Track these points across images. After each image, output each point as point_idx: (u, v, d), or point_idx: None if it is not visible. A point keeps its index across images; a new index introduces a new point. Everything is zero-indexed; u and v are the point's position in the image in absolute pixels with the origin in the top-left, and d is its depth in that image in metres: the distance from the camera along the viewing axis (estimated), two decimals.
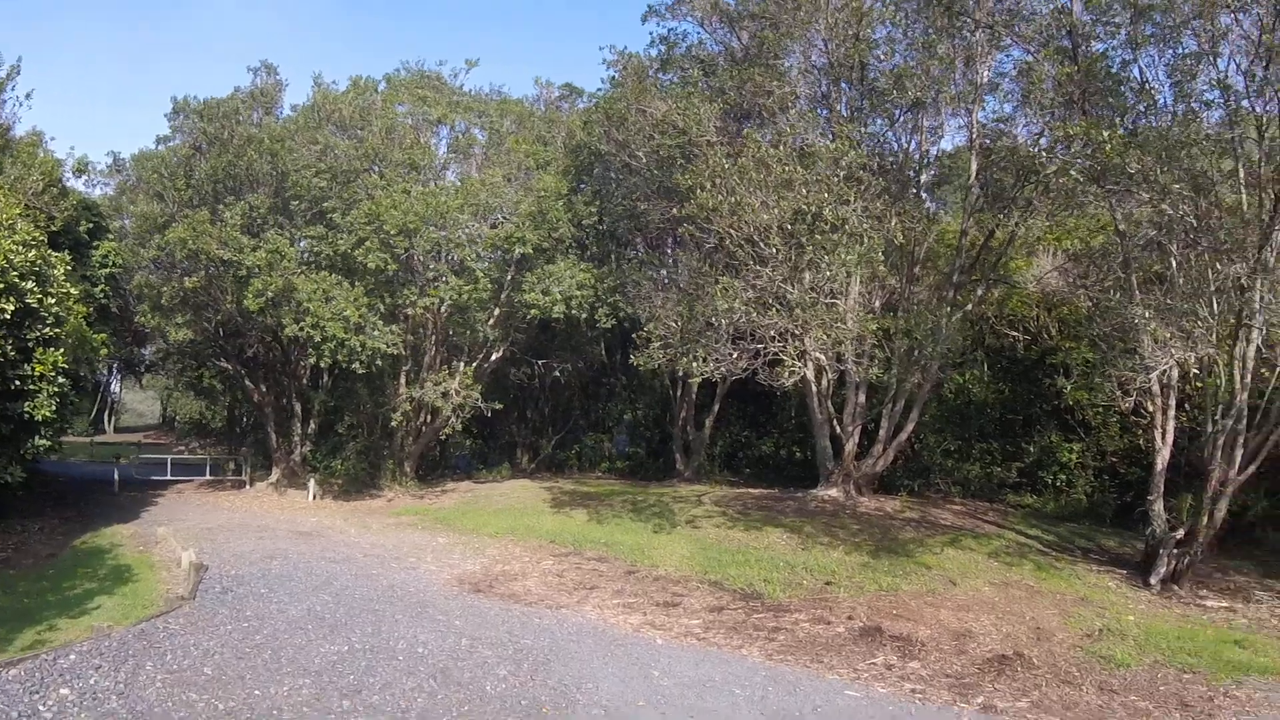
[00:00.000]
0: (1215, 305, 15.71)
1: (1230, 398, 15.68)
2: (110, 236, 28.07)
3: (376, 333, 23.07)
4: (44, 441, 16.87)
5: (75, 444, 40.96)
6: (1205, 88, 15.71)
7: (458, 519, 21.38)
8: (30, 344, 16.10)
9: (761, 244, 18.67)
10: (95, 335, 21.29)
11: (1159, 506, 16.91)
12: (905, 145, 24.63)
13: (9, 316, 15.37)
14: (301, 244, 25.32)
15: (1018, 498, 24.59)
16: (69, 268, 18.10)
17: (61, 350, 16.54)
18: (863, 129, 23.22)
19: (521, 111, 29.62)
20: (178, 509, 24.12)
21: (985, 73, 21.94)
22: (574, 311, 24.92)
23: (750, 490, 24.65)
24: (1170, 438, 17.20)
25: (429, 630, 12.61)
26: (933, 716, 10.36)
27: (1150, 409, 17.39)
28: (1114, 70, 16.74)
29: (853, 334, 19.05)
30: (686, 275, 22.63)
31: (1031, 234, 25.78)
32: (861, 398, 23.26)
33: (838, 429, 22.59)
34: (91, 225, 27.09)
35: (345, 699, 9.74)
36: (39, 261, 16.41)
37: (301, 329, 22.68)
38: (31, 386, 16.01)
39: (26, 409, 15.91)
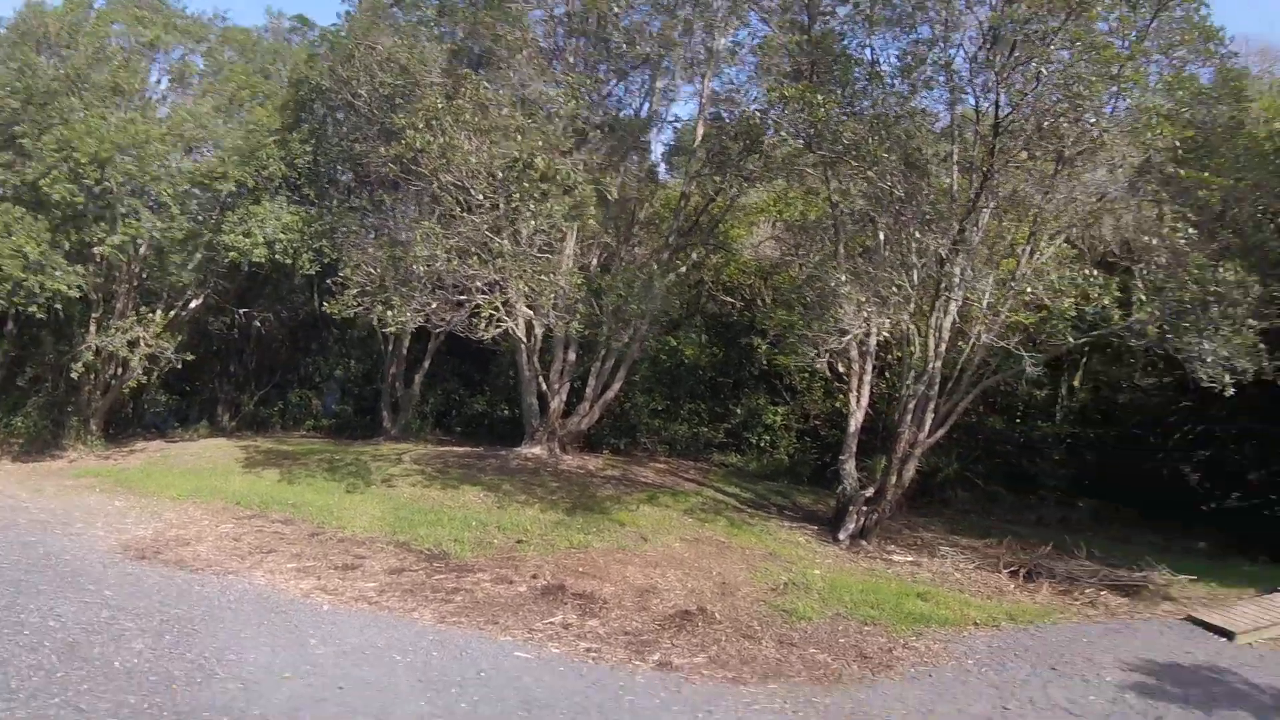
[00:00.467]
0: (917, 276, 17.04)
1: (924, 365, 17.19)
2: None
3: (59, 273, 21.70)
4: None
5: None
6: (932, 72, 16.98)
7: (141, 481, 20.76)
8: None
9: (471, 190, 18.82)
10: None
11: (850, 465, 18.31)
12: (638, 106, 25.94)
13: None
14: None
15: (723, 457, 26.93)
16: None
17: None
18: (594, 83, 24.13)
19: (246, 41, 28.29)
20: None
21: (723, 41, 23.50)
22: (279, 257, 24.48)
23: (455, 449, 25.19)
24: (865, 401, 18.64)
25: (73, 601, 12.34)
26: (605, 676, 10.72)
27: (847, 372, 18.72)
28: (849, 50, 17.74)
29: (557, 287, 19.45)
30: (398, 222, 22.66)
31: (752, 201, 28.04)
32: (570, 355, 24.40)
33: (544, 386, 23.52)
34: None
35: None
36: None
37: None
38: None
39: None
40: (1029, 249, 17.41)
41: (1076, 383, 24.66)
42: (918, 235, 17.05)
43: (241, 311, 28.99)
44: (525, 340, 21.80)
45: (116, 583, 13.54)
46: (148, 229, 23.04)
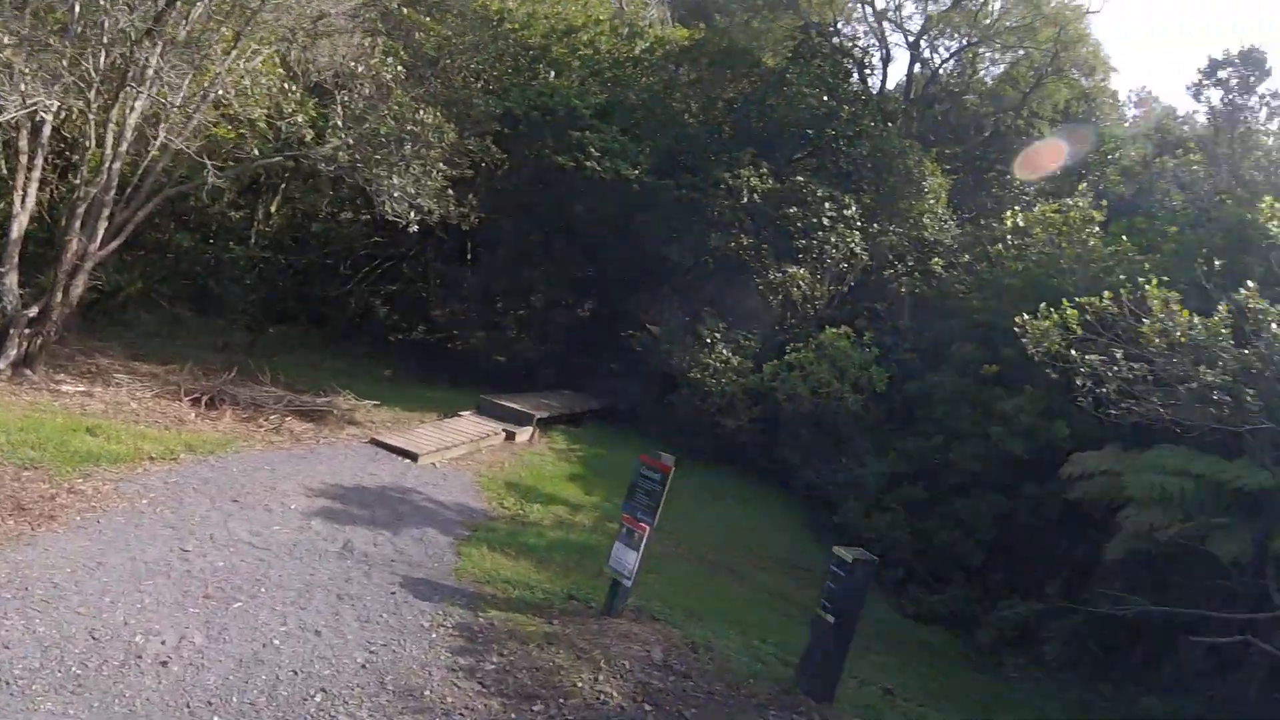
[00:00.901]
0: (105, 59, 14.69)
1: (99, 164, 15.07)
2: None
3: None
4: None
5: None
6: None
7: None
8: None
9: None
10: None
11: (12, 280, 15.29)
12: None
13: None
14: None
15: None
16: None
17: None
18: None
19: None
20: None
21: None
22: None
23: None
24: (32, 202, 15.53)
25: None
26: None
27: (13, 165, 15.69)
28: None
29: None
30: None
31: None
32: None
33: None
34: None
35: None
36: None
37: None
38: None
39: None
40: (235, 52, 16.35)
41: (274, 208, 24.62)
42: (109, 10, 14.72)
43: None
44: None
45: None
46: None
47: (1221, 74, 19.94)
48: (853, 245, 21.40)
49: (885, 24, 28.60)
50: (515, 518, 13.91)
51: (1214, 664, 12.55)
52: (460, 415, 18.12)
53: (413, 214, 16.21)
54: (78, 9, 14.83)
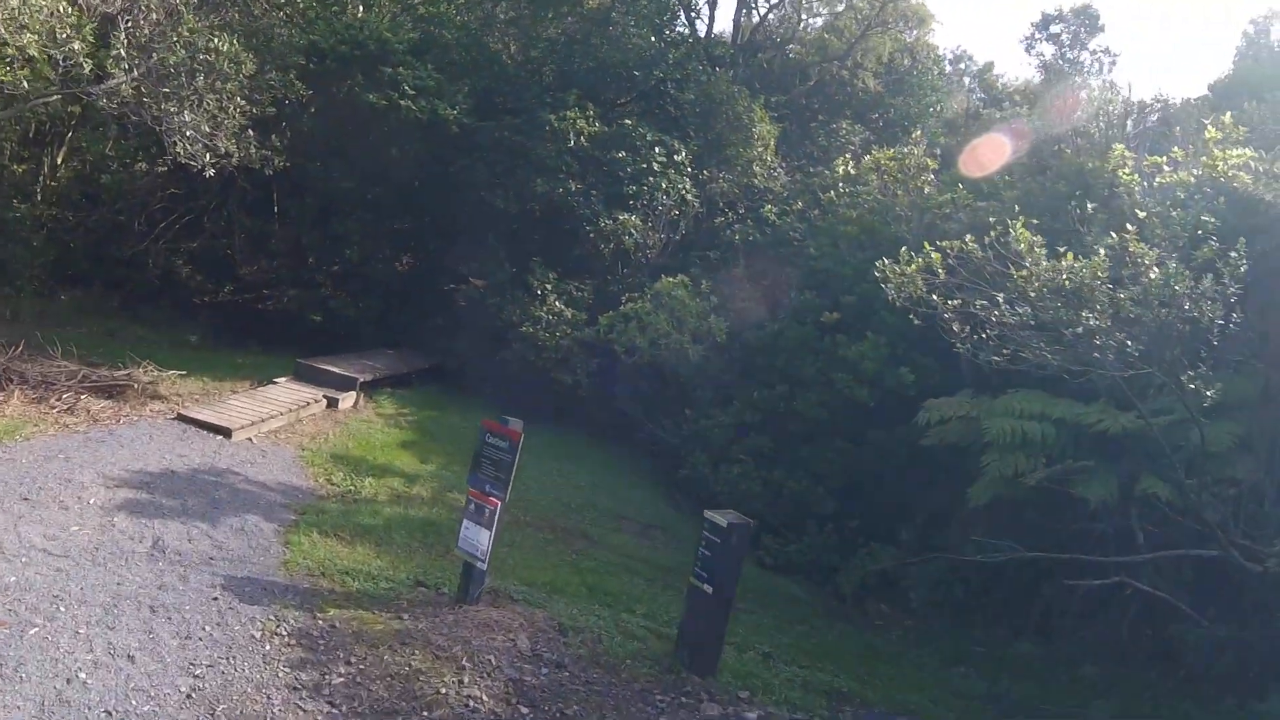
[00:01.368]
0: None
1: None
2: None
3: None
4: None
5: None
6: None
7: None
8: None
9: None
10: None
11: None
12: None
13: None
14: None
15: None
16: None
17: None
18: None
19: None
20: None
21: None
22: None
23: None
24: None
25: None
26: None
27: None
28: None
29: None
30: None
31: None
32: None
33: None
34: None
35: None
36: None
37: None
38: None
39: None
40: None
41: (60, 159, 21.72)
42: None
43: None
44: None
45: None
46: None
47: (1054, 28, 20.55)
48: (684, 192, 20.97)
49: None
50: (346, 495, 12.78)
51: (1081, 605, 12.99)
52: (276, 383, 16.57)
53: (208, 156, 14.46)
54: None
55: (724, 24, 29.69)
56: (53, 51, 13.29)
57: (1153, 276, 9.50)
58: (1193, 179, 11.60)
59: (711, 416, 18.41)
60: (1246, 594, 11.90)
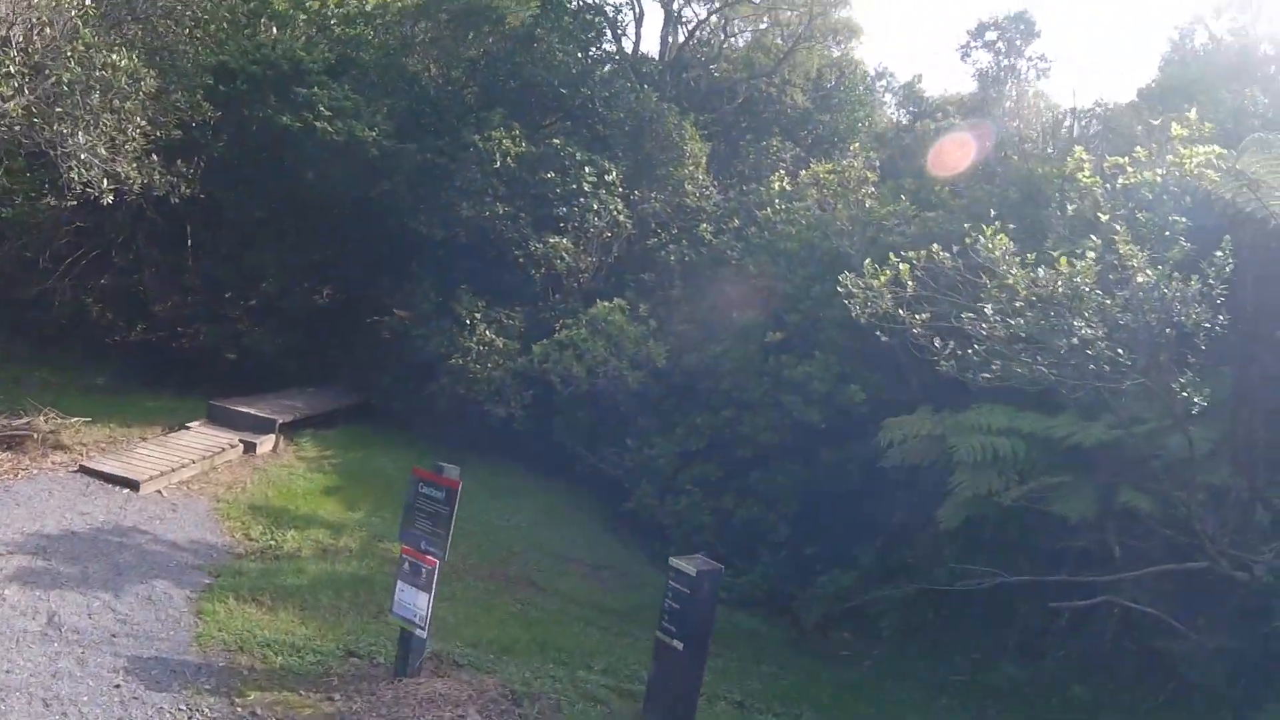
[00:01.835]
0: None
1: None
2: None
3: None
4: None
5: None
6: None
7: None
8: None
9: None
10: None
11: None
12: None
13: None
14: None
15: None
16: None
17: None
18: None
19: None
20: None
21: None
22: None
23: None
24: None
25: None
26: None
27: None
28: None
29: None
30: None
31: None
32: None
33: None
34: None
35: None
36: None
37: None
38: None
39: None
40: None
41: None
42: None
43: None
44: None
45: None
46: None
47: (989, 36, 20.39)
48: (616, 213, 20.26)
49: None
50: (266, 551, 11.73)
51: (1061, 623, 12.54)
52: (188, 428, 15.37)
53: (105, 182, 13.29)
54: None
55: (651, 42, 29.09)
56: None
57: (1140, 280, 9.03)
58: (1159, 178, 11.24)
59: (655, 445, 17.69)
60: (1232, 603, 11.61)
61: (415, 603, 8.21)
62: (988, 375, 9.87)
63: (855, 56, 28.38)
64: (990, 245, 10.09)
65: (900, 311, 10.58)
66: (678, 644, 8.31)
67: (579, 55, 21.68)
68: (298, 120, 17.58)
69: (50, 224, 18.77)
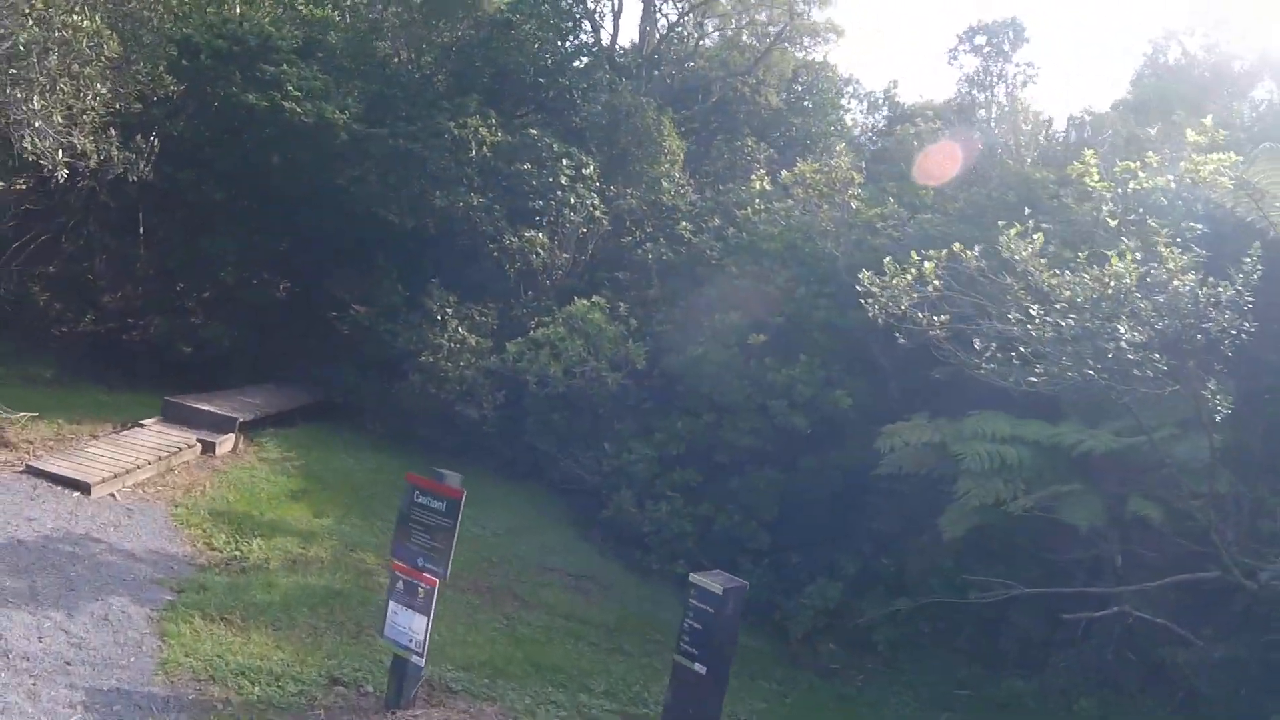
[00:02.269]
0: None
1: None
2: None
3: None
4: None
5: None
6: None
7: None
8: None
9: None
10: None
11: None
12: None
13: None
14: None
15: None
16: None
17: None
18: None
19: None
20: None
21: None
22: None
23: None
24: None
25: None
26: None
27: None
28: None
29: None
30: None
31: None
32: None
33: None
34: None
35: None
36: None
37: None
38: None
39: None
40: None
41: None
42: None
43: None
44: None
45: None
46: None
47: (978, 40, 19.94)
48: (593, 208, 19.41)
49: None
50: (232, 562, 10.68)
51: (1063, 633, 12.07)
52: (142, 425, 14.16)
53: (60, 154, 12.11)
54: None
55: (628, 37, 28.06)
56: None
57: (1177, 284, 8.49)
58: (1172, 184, 10.79)
59: (633, 450, 16.85)
60: (1237, 612, 11.26)
61: (411, 626, 7.31)
62: (1034, 380, 9.24)
63: (830, 60, 27.89)
64: (1013, 246, 9.54)
65: (920, 314, 9.92)
66: (700, 667, 7.54)
67: (557, 44, 20.81)
68: (264, 99, 16.45)
69: None
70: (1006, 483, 11.62)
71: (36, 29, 11.38)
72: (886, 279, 10.27)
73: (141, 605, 8.55)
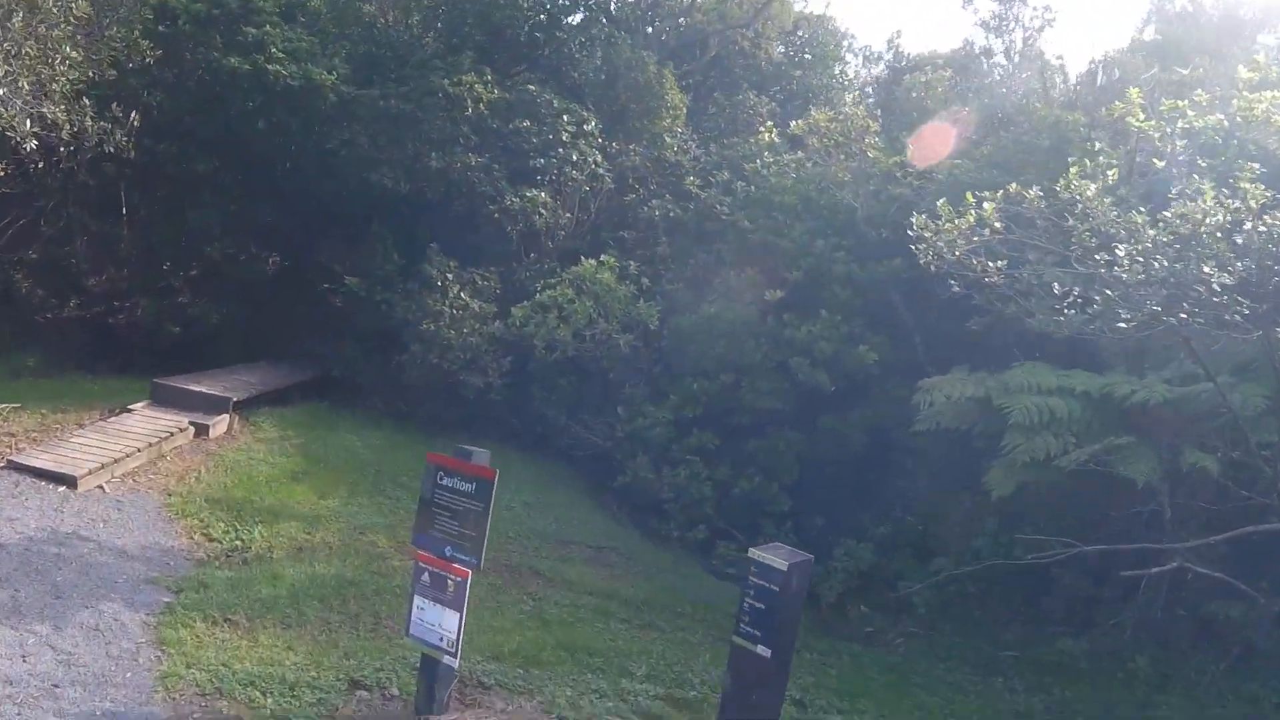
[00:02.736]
0: None
1: None
2: None
3: None
4: None
5: None
6: None
7: None
8: None
9: None
10: None
11: None
12: None
13: None
14: None
15: None
16: None
17: None
18: None
19: None
20: None
21: None
22: None
23: None
24: None
25: None
26: None
27: None
28: None
29: None
30: None
31: None
32: None
33: None
34: None
35: None
36: None
37: None
38: None
39: None
40: None
41: None
42: None
43: None
44: None
45: None
46: None
47: None
48: (596, 166, 18.33)
49: None
50: (233, 554, 9.75)
51: (1110, 591, 11.31)
52: (131, 410, 13.15)
53: (28, 124, 11.05)
54: None
55: None
56: None
57: (1261, 225, 7.56)
58: (1225, 123, 9.86)
59: (647, 415, 15.96)
60: None
61: (441, 623, 6.41)
62: (1123, 325, 8.32)
63: (830, 14, 26.68)
64: (1074, 185, 8.61)
65: (975, 259, 8.98)
66: (763, 650, 6.66)
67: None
68: (247, 63, 15.25)
69: None
70: (1056, 436, 10.81)
71: None
72: (941, 223, 9.26)
73: (136, 610, 7.62)
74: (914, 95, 19.20)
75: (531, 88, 17.94)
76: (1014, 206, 8.84)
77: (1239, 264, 7.86)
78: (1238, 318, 7.88)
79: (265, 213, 17.93)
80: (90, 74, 12.60)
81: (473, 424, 16.61)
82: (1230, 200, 7.76)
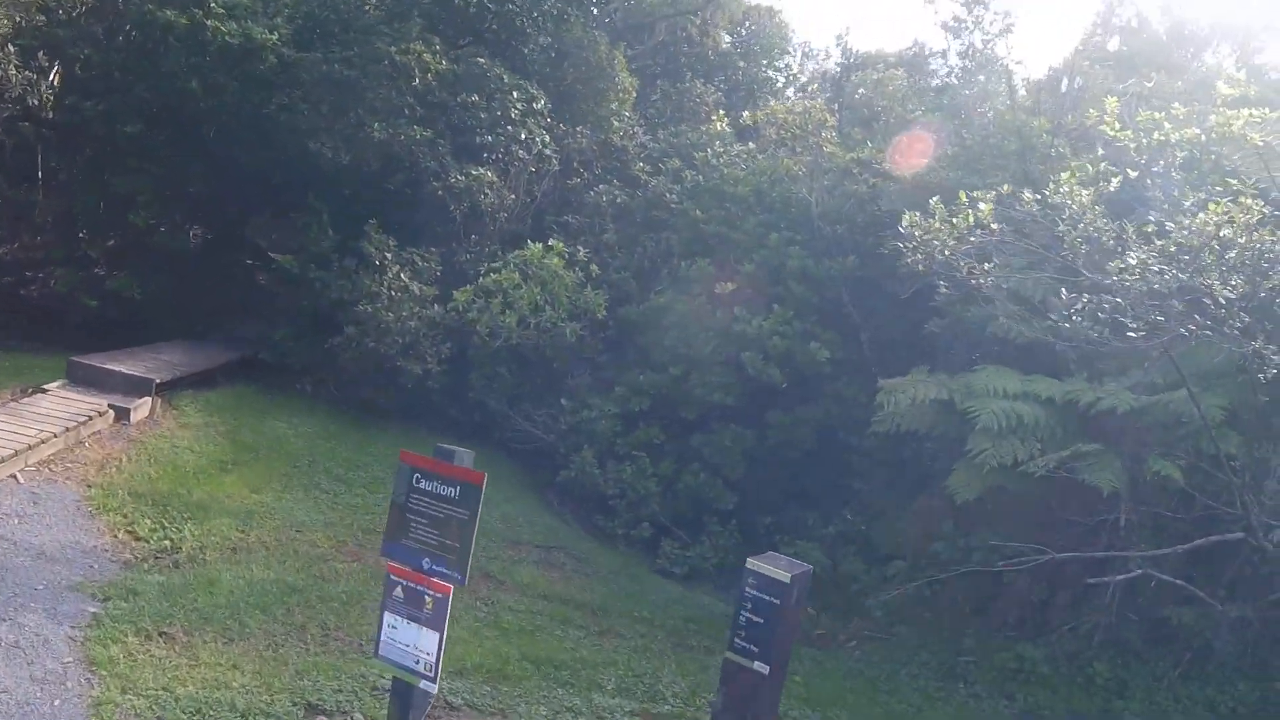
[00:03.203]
0: None
1: None
2: None
3: None
4: None
5: None
6: None
7: None
8: None
9: None
10: None
11: None
12: None
13: None
14: None
15: None
16: None
17: None
18: None
19: None
20: None
21: None
22: None
23: None
24: None
25: None
26: None
27: None
28: None
29: None
30: None
31: None
32: None
33: None
34: None
35: None
36: None
37: None
38: None
39: None
40: None
41: None
42: None
43: None
44: None
45: None
46: None
47: None
48: (543, 146, 17.56)
49: None
50: (162, 555, 8.87)
51: (1064, 596, 11.19)
52: (45, 390, 11.98)
53: None
54: None
55: None
56: None
57: (1256, 239, 7.36)
58: (1202, 138, 9.73)
59: (593, 406, 15.36)
60: (1247, 573, 10.59)
61: (417, 644, 5.75)
62: (1132, 334, 8.03)
63: (776, 5, 26.30)
64: (1064, 191, 8.35)
65: (962, 261, 8.63)
66: (761, 666, 6.20)
67: None
68: (184, 16, 14.06)
69: None
70: (1023, 441, 10.59)
71: None
72: (931, 222, 8.87)
73: (60, 623, 6.72)
74: (862, 93, 18.94)
75: (481, 60, 17.05)
76: (1004, 209, 8.53)
77: (1236, 277, 7.67)
78: (1236, 330, 7.68)
79: (195, 181, 16.70)
80: (17, 19, 11.38)
81: (409, 412, 15.82)
82: (1240, 215, 7.53)
